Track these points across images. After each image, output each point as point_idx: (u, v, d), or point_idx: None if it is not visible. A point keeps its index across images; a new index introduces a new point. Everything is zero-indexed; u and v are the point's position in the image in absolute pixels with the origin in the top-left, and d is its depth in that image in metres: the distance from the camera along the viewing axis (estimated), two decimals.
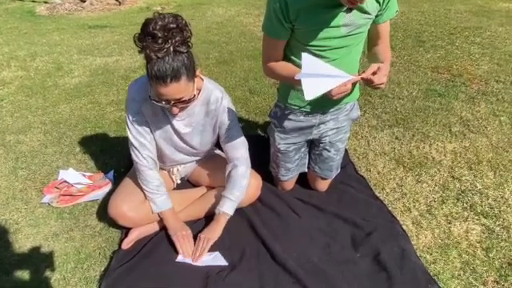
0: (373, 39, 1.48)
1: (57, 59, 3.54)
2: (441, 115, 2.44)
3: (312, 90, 1.15)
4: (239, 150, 1.54)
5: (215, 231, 1.51)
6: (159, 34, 1.15)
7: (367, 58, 1.56)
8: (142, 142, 1.48)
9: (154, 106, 1.43)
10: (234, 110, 1.53)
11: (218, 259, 1.47)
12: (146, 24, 1.16)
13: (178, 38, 1.18)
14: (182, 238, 1.50)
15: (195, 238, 1.53)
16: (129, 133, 1.49)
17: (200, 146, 1.59)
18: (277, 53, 1.45)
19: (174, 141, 1.55)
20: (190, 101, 1.32)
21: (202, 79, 1.44)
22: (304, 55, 1.20)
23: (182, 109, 1.34)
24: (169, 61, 1.19)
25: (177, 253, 1.49)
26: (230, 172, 1.55)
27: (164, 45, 1.16)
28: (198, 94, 1.40)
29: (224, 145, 1.56)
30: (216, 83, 1.50)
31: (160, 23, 1.15)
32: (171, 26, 1.17)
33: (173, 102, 1.28)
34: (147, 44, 1.16)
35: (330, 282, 1.37)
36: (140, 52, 1.20)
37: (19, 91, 2.93)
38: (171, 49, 1.18)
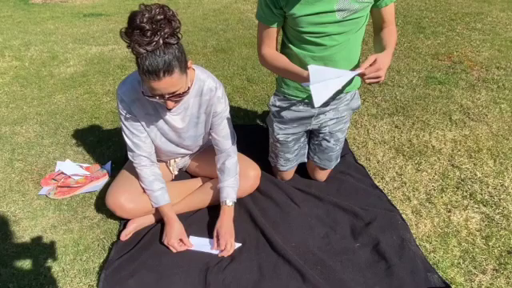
0: (377, 23, 1.46)
1: (52, 48, 3.48)
2: (441, 103, 2.41)
3: (320, 96, 1.18)
4: (230, 140, 1.55)
5: (228, 224, 1.51)
6: (147, 27, 1.10)
7: (373, 44, 1.52)
8: (136, 141, 1.48)
9: (146, 106, 1.41)
10: (227, 100, 1.51)
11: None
12: (133, 17, 1.11)
13: (166, 30, 1.13)
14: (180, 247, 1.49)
15: (211, 231, 1.53)
16: (123, 133, 1.48)
17: (194, 139, 1.57)
18: (271, 40, 1.43)
19: (170, 137, 1.53)
20: (184, 94, 1.28)
21: (194, 69, 1.41)
22: (310, 67, 1.18)
23: (177, 102, 1.31)
24: (160, 54, 1.14)
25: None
26: (223, 162, 1.55)
27: (153, 37, 1.12)
28: (191, 85, 1.38)
29: (215, 135, 1.54)
30: (209, 72, 1.47)
31: (147, 15, 1.10)
32: (159, 17, 1.11)
33: (167, 97, 1.24)
34: (135, 38, 1.11)
35: (330, 272, 1.38)
36: (128, 47, 1.15)
37: (14, 81, 2.89)
38: (161, 41, 1.13)
